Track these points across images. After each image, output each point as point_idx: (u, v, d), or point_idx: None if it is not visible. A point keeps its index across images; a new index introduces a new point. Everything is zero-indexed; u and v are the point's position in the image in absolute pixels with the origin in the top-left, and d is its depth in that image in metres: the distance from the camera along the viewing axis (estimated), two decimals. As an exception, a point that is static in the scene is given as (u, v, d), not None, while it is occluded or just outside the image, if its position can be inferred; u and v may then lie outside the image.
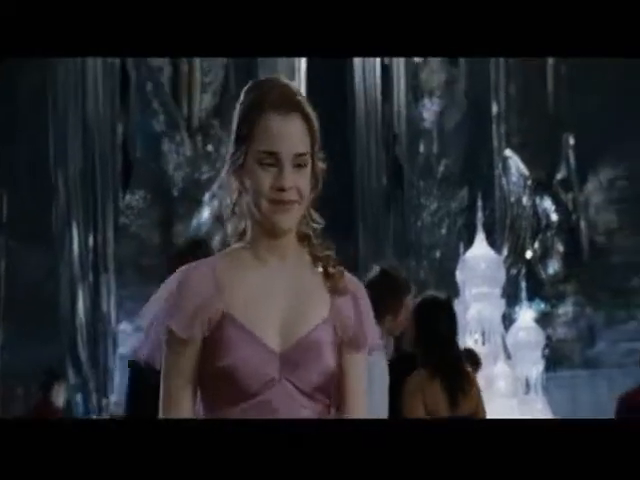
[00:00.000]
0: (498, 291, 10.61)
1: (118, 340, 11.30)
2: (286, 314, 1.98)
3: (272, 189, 1.96)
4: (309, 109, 1.98)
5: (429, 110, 11.31)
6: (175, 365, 1.98)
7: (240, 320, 1.95)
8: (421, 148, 11.23)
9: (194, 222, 11.93)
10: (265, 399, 1.91)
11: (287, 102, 1.96)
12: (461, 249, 10.87)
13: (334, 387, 1.99)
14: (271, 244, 2.01)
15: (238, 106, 2.00)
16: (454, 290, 10.70)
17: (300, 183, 1.97)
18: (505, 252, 11.09)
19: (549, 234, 11.17)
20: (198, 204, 11.98)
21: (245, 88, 2.03)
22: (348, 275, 2.06)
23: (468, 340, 9.52)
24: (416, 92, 11.24)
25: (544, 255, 10.75)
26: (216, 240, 11.75)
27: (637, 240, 10.65)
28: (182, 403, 1.95)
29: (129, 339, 11.21)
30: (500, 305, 10.66)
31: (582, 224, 11.14)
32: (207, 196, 12.01)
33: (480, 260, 10.84)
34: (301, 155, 1.97)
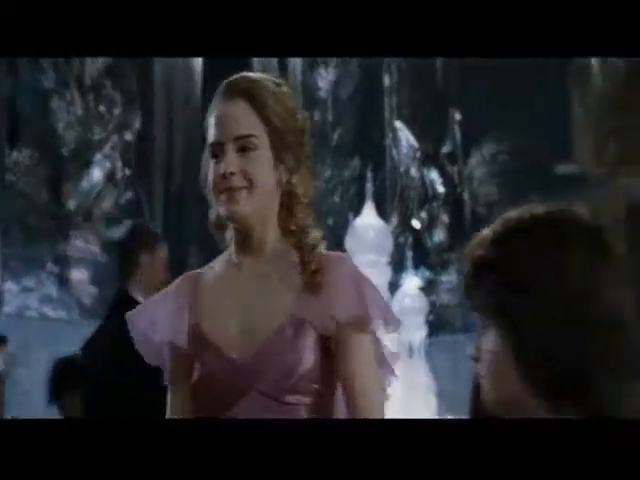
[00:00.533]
0: (385, 259, 10.92)
1: (4, 299, 11.13)
2: (249, 319, 1.90)
3: (219, 178, 1.89)
4: (260, 93, 1.88)
5: (324, 79, 11.50)
6: (170, 371, 1.97)
7: (205, 331, 1.91)
8: (316, 117, 11.42)
9: (84, 183, 11.80)
10: (239, 411, 1.84)
11: (231, 89, 1.90)
12: (351, 217, 11.12)
13: (337, 374, 1.88)
14: (245, 243, 1.96)
15: None
16: (345, 256, 10.99)
17: (248, 167, 1.89)
18: (394, 221, 11.44)
19: (435, 205, 11.55)
20: (89, 165, 11.84)
21: None
22: (335, 258, 1.97)
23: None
24: (311, 61, 11.41)
25: (430, 225, 11.12)
26: (107, 202, 11.70)
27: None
28: (177, 410, 1.92)
29: (14, 299, 11.06)
30: (387, 272, 10.98)
31: (465, 196, 11.55)
32: (98, 157, 11.89)
33: (369, 228, 11.14)
34: (244, 137, 1.88)
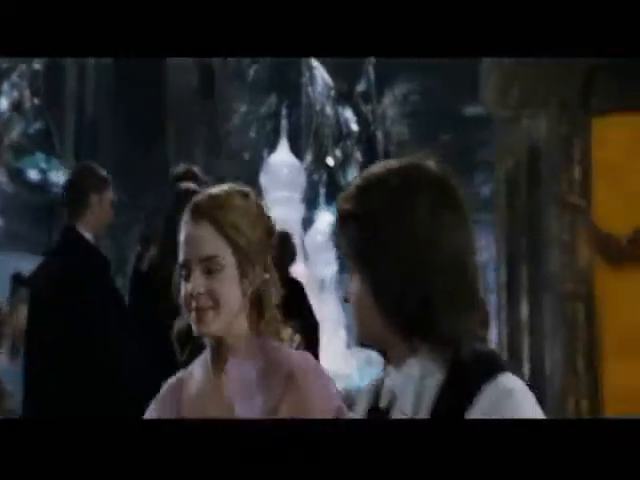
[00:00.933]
0: (298, 196, 11.10)
1: None
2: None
3: (188, 298, 1.94)
4: (224, 214, 1.95)
5: (241, 16, 11.49)
6: None
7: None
8: (232, 53, 11.45)
9: (-9, 111, 11.59)
10: None
11: (196, 210, 1.96)
12: (265, 154, 11.25)
13: None
14: (219, 354, 2.01)
15: None
16: (259, 193, 11.15)
17: (215, 287, 1.93)
18: (308, 158, 11.62)
19: (349, 143, 11.74)
20: (-5, 93, 11.63)
21: None
22: (295, 359, 1.99)
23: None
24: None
25: (344, 162, 11.32)
26: (15, 132, 11.54)
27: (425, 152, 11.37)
28: None
29: None
30: (300, 209, 11.16)
31: (379, 135, 11.77)
32: (6, 86, 11.70)
33: (282, 165, 11.28)
34: (209, 259, 1.93)
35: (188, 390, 2.04)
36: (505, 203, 7.69)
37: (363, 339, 1.61)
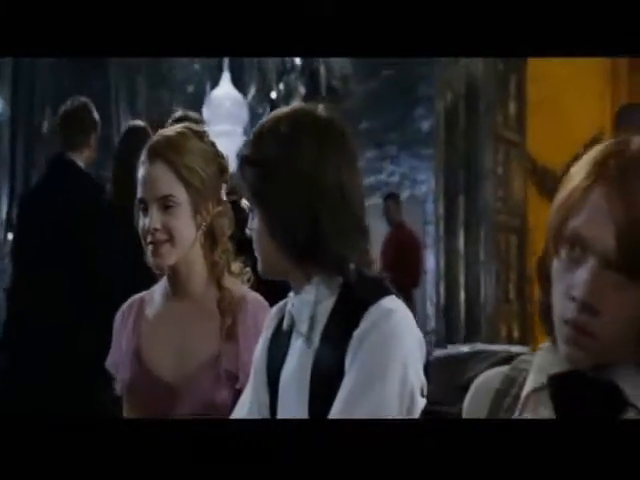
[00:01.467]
0: (240, 129, 11.13)
1: None
2: (180, 355, 2.12)
3: (145, 232, 2.09)
4: (177, 154, 2.07)
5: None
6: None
7: (144, 359, 2.15)
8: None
9: None
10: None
11: (152, 151, 2.08)
12: (208, 87, 11.24)
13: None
14: (173, 287, 2.16)
15: None
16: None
17: (170, 223, 2.06)
18: (252, 91, 11.65)
19: (292, 76, 11.78)
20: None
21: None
22: (253, 301, 2.12)
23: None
24: None
25: (287, 96, 11.35)
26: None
27: (367, 87, 11.39)
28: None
29: None
30: (242, 142, 11.21)
31: (322, 69, 11.81)
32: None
33: (224, 99, 11.29)
34: (164, 197, 2.05)
35: (148, 310, 2.20)
36: (444, 138, 7.87)
37: (265, 271, 1.77)
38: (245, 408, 1.86)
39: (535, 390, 1.32)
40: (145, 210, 2.08)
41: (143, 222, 2.09)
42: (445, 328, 7.59)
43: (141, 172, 2.09)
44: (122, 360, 2.18)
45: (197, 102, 10.87)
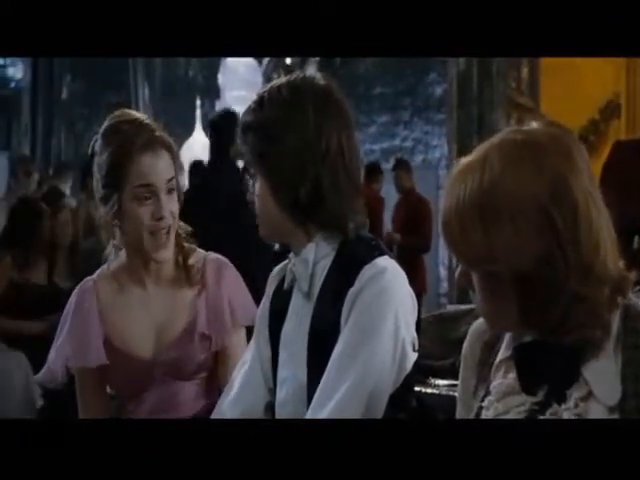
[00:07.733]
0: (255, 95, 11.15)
1: None
2: (159, 331, 2.20)
3: (152, 219, 2.12)
4: (170, 140, 2.19)
5: None
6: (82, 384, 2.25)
7: (117, 344, 2.19)
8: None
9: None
10: (147, 396, 2.19)
11: (154, 142, 2.15)
12: (223, 53, 11.27)
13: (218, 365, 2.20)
14: (148, 269, 2.21)
15: (104, 153, 2.14)
16: (217, 93, 11.26)
17: (173, 207, 2.15)
18: (267, 58, 11.65)
19: (306, 43, 11.79)
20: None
21: (102, 130, 2.16)
22: (213, 262, 2.24)
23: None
24: None
25: (302, 62, 11.36)
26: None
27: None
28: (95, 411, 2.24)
29: None
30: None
31: (336, 35, 11.81)
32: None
33: (239, 65, 11.32)
34: (170, 180, 2.14)
35: (107, 296, 2.24)
36: (457, 103, 7.89)
37: (268, 234, 1.85)
38: (246, 365, 1.93)
39: (505, 359, 1.44)
40: (148, 198, 2.12)
41: (146, 211, 2.12)
42: (457, 290, 7.65)
43: (145, 161, 2.12)
44: (84, 348, 2.19)
45: (213, 67, 10.91)
